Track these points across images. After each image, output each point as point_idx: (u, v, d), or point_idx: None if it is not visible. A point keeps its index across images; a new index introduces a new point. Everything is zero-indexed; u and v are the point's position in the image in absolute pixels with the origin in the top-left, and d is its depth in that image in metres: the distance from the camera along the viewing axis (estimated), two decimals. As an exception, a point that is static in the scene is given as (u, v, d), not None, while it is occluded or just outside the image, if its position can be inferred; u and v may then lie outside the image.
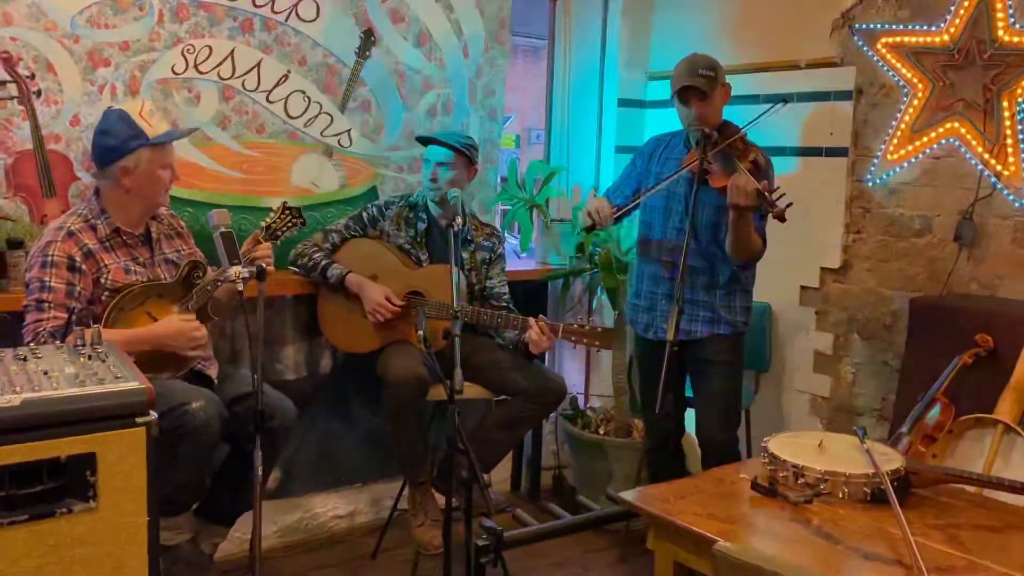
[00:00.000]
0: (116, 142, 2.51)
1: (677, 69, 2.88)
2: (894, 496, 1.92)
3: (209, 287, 2.55)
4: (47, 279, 2.43)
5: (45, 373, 1.82)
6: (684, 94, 2.84)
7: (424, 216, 3.24)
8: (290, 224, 2.64)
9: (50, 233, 2.50)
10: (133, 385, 1.81)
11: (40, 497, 1.72)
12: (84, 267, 2.48)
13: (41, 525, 1.73)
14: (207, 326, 2.63)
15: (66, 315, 2.40)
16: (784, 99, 2.91)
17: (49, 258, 2.44)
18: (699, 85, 2.81)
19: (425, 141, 3.25)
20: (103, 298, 2.50)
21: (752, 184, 2.59)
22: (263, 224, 2.63)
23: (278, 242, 2.66)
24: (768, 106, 2.87)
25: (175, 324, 2.51)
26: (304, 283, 3.24)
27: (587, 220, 2.91)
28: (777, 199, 2.58)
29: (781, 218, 2.58)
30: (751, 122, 2.84)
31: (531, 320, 2.97)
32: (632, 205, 2.92)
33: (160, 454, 1.87)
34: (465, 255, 3.27)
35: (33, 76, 2.77)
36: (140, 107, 2.57)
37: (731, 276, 2.93)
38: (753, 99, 3.42)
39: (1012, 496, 2.20)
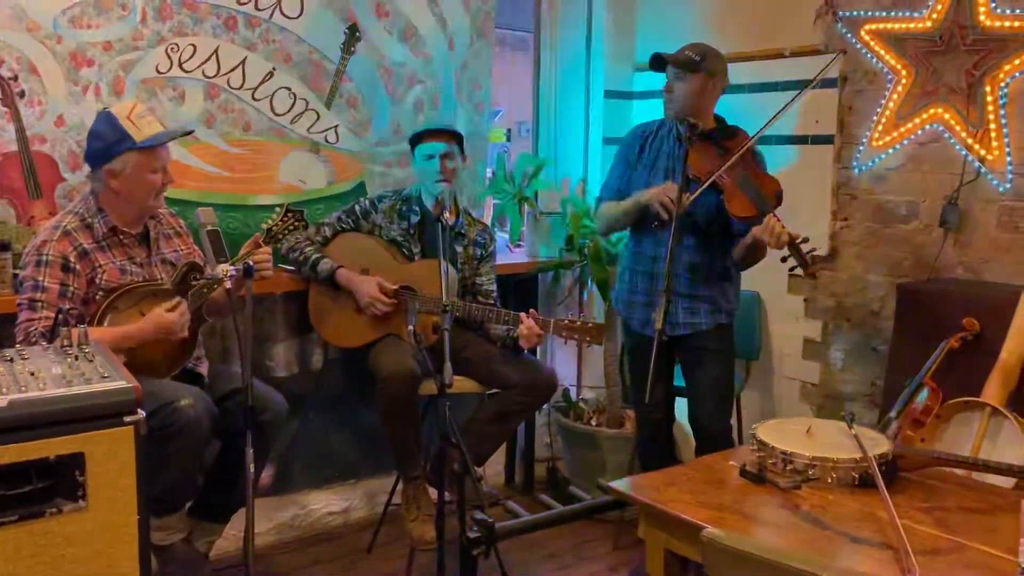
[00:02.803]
0: (102, 145, 2.50)
1: None
2: (881, 480, 1.93)
3: (205, 289, 2.55)
4: (40, 278, 2.43)
5: (32, 374, 1.82)
6: (655, 63, 2.83)
7: (417, 209, 3.24)
8: (292, 228, 2.60)
9: (46, 232, 2.50)
10: (120, 384, 1.81)
11: (29, 497, 1.72)
12: (78, 267, 2.47)
13: (31, 525, 1.73)
14: (200, 328, 2.63)
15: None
16: (808, 83, 2.86)
17: (43, 257, 2.44)
18: (669, 60, 2.80)
19: (419, 138, 3.21)
20: (97, 298, 2.50)
21: (787, 235, 2.54)
22: (264, 227, 2.58)
23: (279, 245, 2.63)
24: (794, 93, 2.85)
25: (159, 318, 2.47)
26: (294, 280, 3.23)
27: (665, 212, 2.71)
28: (807, 252, 2.55)
29: (814, 276, 2.57)
30: (775, 116, 2.80)
31: (522, 315, 2.97)
32: (698, 192, 2.72)
33: (150, 453, 1.87)
34: (459, 249, 3.27)
35: (16, 77, 2.76)
36: (131, 109, 2.53)
37: (724, 268, 2.93)
38: (738, 88, 3.42)
39: (999, 478, 2.22)
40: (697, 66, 2.81)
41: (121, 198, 2.54)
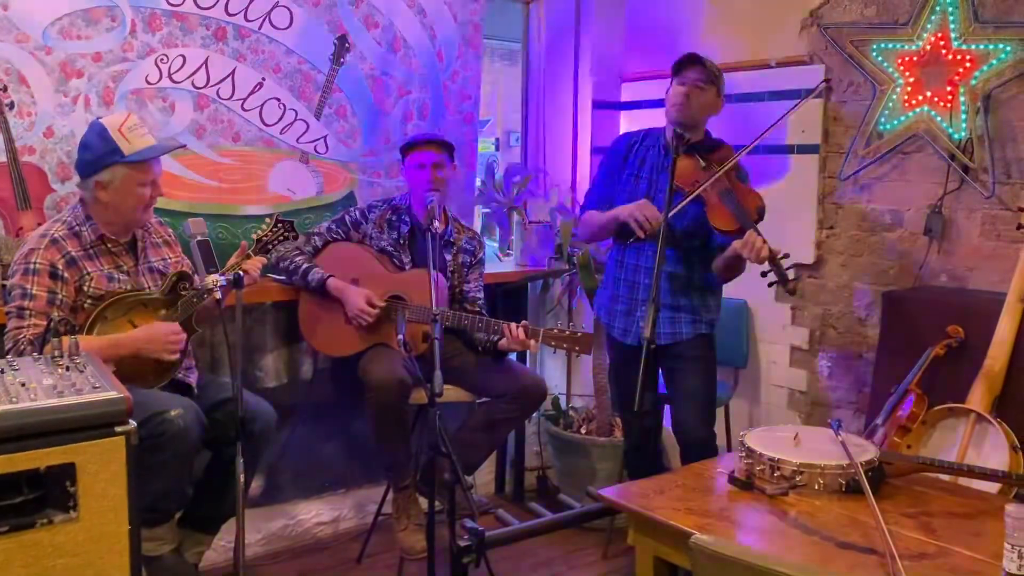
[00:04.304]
0: (92, 157, 2.51)
1: None
2: (868, 486, 1.95)
3: (195, 299, 2.55)
4: (29, 286, 2.43)
5: (23, 385, 1.82)
6: (687, 63, 2.84)
7: (407, 219, 3.25)
8: (283, 238, 2.60)
9: (34, 240, 2.50)
10: (111, 395, 1.81)
11: (20, 508, 1.72)
12: (66, 275, 2.48)
13: (22, 536, 1.73)
14: (190, 338, 2.63)
15: (46, 323, 2.40)
16: (827, 80, 2.88)
17: (31, 266, 2.45)
18: (707, 64, 2.84)
19: (410, 147, 3.22)
20: (86, 305, 2.51)
21: (767, 251, 2.55)
22: (254, 237, 2.59)
23: (270, 256, 2.63)
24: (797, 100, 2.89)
25: (153, 328, 2.50)
26: (283, 290, 3.24)
27: (640, 230, 2.77)
28: (787, 268, 2.56)
29: (793, 291, 2.59)
30: (763, 132, 2.83)
31: (512, 325, 2.97)
32: (681, 204, 2.77)
33: (140, 463, 1.87)
34: (448, 257, 3.28)
35: (5, 88, 2.76)
36: (123, 120, 2.53)
37: (704, 279, 2.95)
38: (725, 99, 3.46)
39: (984, 483, 2.25)
40: (717, 80, 2.87)
41: (109, 209, 2.55)
